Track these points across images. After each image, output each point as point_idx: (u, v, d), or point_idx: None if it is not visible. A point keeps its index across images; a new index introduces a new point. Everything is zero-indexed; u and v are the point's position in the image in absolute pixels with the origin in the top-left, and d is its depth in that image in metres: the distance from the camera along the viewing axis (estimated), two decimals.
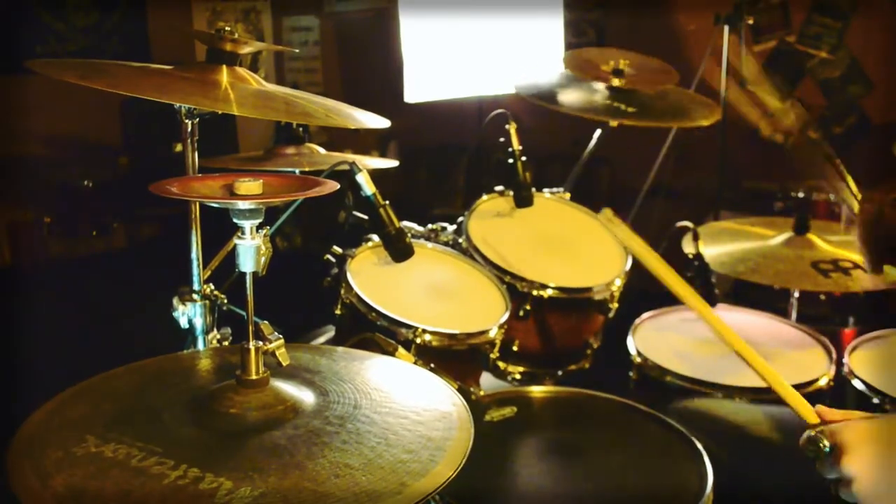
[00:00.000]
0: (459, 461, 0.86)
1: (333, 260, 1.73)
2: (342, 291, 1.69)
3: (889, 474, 0.89)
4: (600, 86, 2.31)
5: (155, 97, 1.07)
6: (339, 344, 1.66)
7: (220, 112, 1.12)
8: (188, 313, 1.33)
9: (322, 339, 2.13)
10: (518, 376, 1.97)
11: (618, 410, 1.35)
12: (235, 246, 0.96)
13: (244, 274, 0.97)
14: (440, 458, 0.86)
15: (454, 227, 2.04)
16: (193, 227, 1.34)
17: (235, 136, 4.57)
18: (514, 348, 1.94)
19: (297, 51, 5.35)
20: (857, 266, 1.87)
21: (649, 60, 2.43)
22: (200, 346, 1.35)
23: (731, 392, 1.74)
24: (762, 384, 1.73)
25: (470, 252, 1.94)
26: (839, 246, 1.97)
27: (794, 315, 2.22)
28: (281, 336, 0.99)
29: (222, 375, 1.03)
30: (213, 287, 1.36)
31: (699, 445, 1.34)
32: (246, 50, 1.25)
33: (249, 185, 0.93)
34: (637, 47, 2.45)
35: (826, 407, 0.99)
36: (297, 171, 1.76)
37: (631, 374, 1.95)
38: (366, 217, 1.62)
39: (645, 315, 2.11)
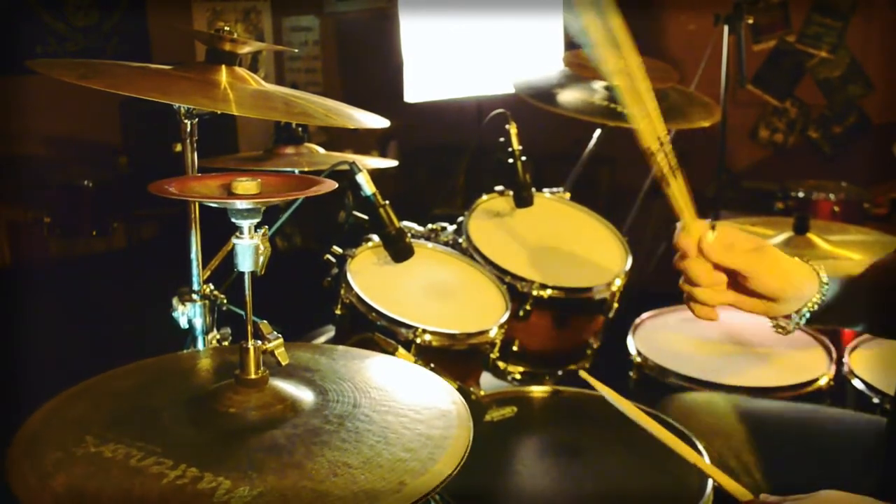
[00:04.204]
0: (459, 459, 0.86)
1: (333, 260, 1.73)
2: (342, 291, 1.69)
3: None
4: (599, 86, 2.31)
5: (154, 97, 1.07)
6: (339, 344, 1.66)
7: (219, 112, 1.12)
8: (188, 313, 1.33)
9: (322, 339, 2.13)
10: (518, 376, 1.97)
11: (618, 410, 1.35)
12: (234, 246, 0.96)
13: (243, 274, 0.97)
14: (439, 457, 0.86)
15: (454, 227, 2.04)
16: (193, 227, 1.34)
17: (235, 136, 4.58)
18: (514, 348, 1.94)
19: (296, 51, 5.35)
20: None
21: (649, 60, 2.43)
22: (200, 346, 1.35)
23: (731, 392, 1.74)
24: (762, 384, 1.74)
25: (470, 252, 1.94)
26: (839, 246, 1.97)
27: None
28: (280, 335, 0.99)
29: (222, 375, 1.03)
30: (212, 287, 1.36)
31: (699, 445, 1.34)
32: (245, 50, 1.25)
33: (247, 185, 0.92)
34: (637, 47, 2.45)
35: (767, 495, 1.03)
36: (296, 171, 1.76)
37: (631, 374, 1.95)
38: (366, 217, 1.62)
39: (645, 315, 2.11)
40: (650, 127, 1.09)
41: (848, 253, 1.92)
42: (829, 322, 1.20)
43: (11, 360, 2.82)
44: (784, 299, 1.14)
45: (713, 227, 1.12)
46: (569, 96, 2.28)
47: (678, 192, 1.12)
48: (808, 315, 1.15)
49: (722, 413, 1.46)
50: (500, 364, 1.93)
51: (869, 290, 1.17)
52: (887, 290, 1.16)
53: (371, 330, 1.53)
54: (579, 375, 1.26)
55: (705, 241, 1.10)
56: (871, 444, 1.32)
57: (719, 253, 1.10)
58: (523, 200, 2.06)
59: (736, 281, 1.13)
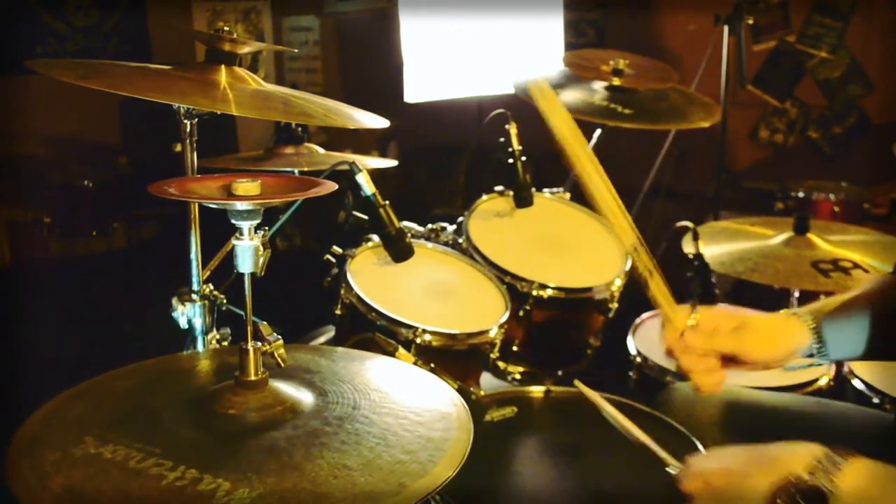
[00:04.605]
0: (458, 462, 0.86)
1: (333, 260, 1.73)
2: (342, 291, 1.69)
3: None
4: (599, 86, 2.31)
5: (154, 97, 1.07)
6: (339, 344, 1.66)
7: (219, 112, 1.12)
8: (187, 313, 1.33)
9: (322, 340, 2.13)
10: (518, 376, 1.97)
11: (618, 411, 1.35)
12: (234, 247, 0.96)
13: (243, 274, 0.97)
14: (439, 459, 0.86)
15: (454, 227, 2.04)
16: (193, 227, 1.34)
17: (235, 136, 4.58)
18: (514, 348, 1.94)
19: (296, 51, 5.35)
20: (857, 266, 1.87)
21: (649, 60, 2.43)
22: (200, 346, 1.34)
23: None
24: (762, 384, 1.74)
25: (470, 252, 1.94)
26: (839, 246, 1.96)
27: None
28: (280, 336, 0.99)
29: (222, 376, 1.03)
30: (212, 287, 1.36)
31: (699, 445, 1.34)
32: (245, 50, 1.25)
33: (247, 186, 0.92)
34: (637, 47, 2.45)
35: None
36: (296, 171, 1.76)
37: (631, 374, 1.95)
38: (366, 217, 1.62)
39: (645, 315, 2.11)
40: (627, 234, 1.17)
41: (848, 253, 1.92)
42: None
43: (11, 360, 2.82)
44: (778, 360, 1.19)
45: (694, 310, 1.18)
46: (569, 96, 2.28)
47: (657, 289, 1.18)
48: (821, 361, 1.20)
49: (722, 404, 1.46)
50: (500, 364, 1.93)
51: (873, 320, 1.19)
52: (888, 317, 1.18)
53: (371, 330, 1.53)
54: (574, 384, 1.28)
55: (688, 336, 1.16)
56: (875, 439, 1.32)
57: (703, 341, 1.16)
58: (523, 200, 2.06)
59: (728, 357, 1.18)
